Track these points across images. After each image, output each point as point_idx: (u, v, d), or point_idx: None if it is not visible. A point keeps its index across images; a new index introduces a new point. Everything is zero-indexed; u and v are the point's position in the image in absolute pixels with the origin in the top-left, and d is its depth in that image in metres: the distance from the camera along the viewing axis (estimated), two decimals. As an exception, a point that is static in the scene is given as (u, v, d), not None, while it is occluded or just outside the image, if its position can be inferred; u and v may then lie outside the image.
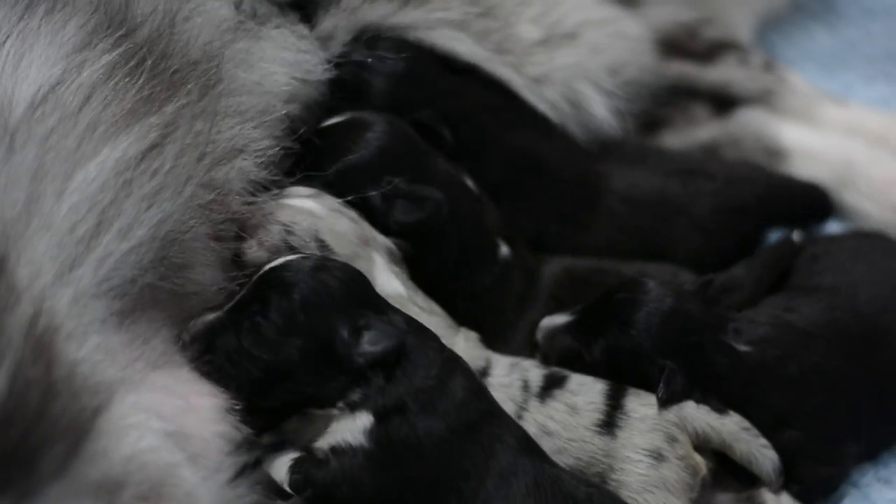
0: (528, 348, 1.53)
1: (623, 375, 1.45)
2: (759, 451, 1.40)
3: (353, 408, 1.30)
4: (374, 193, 1.48)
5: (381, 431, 1.29)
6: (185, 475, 1.17)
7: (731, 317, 1.49)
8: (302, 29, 1.60)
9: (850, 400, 1.49)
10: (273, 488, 1.20)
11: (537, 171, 1.69)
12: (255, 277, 1.33)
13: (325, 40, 1.63)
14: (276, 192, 1.46)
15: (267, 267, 1.34)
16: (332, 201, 1.47)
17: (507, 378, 1.45)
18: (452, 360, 1.36)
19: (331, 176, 1.49)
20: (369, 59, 1.63)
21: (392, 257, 1.47)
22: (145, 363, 1.25)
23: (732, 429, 1.41)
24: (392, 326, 1.31)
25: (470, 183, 1.59)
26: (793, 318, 1.52)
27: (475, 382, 1.37)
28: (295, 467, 1.30)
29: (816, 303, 1.55)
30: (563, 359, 1.49)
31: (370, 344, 1.30)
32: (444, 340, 1.38)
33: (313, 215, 1.44)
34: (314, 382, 1.31)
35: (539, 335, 1.52)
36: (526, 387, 1.45)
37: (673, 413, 1.40)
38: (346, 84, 1.61)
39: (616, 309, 1.47)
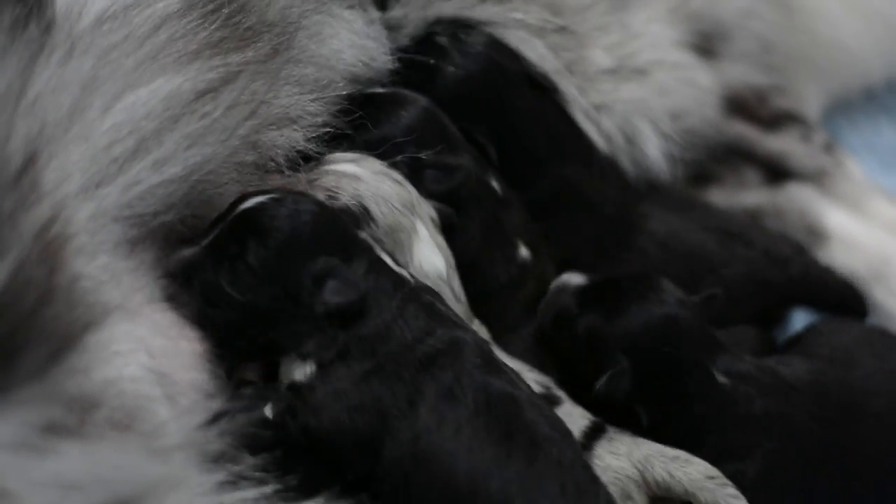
0: (526, 357, 1.50)
1: (588, 357, 1.44)
2: (726, 501, 1.36)
3: (304, 357, 1.29)
4: (400, 160, 1.46)
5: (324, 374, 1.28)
6: (159, 411, 1.18)
7: (724, 348, 1.48)
8: (373, 12, 1.57)
9: (808, 461, 1.45)
10: (241, 441, 1.19)
11: (580, 203, 1.67)
12: (230, 217, 1.31)
13: (393, 28, 1.60)
14: (317, 162, 1.44)
15: (243, 207, 1.31)
16: (376, 163, 1.44)
17: (502, 381, 1.44)
18: (405, 302, 1.33)
19: (358, 144, 1.47)
20: (449, 46, 1.59)
21: (436, 226, 1.46)
22: (145, 296, 1.25)
23: (696, 478, 1.37)
24: (356, 278, 1.30)
25: (495, 184, 1.57)
26: (781, 368, 1.51)
27: (432, 320, 1.33)
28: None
29: (808, 364, 1.54)
30: (556, 318, 1.49)
31: (331, 294, 1.28)
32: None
33: (357, 179, 1.41)
34: (282, 326, 1.30)
35: (552, 284, 1.52)
36: (517, 395, 1.44)
37: (636, 467, 1.38)
38: (415, 65, 1.57)
39: (617, 292, 1.46)
